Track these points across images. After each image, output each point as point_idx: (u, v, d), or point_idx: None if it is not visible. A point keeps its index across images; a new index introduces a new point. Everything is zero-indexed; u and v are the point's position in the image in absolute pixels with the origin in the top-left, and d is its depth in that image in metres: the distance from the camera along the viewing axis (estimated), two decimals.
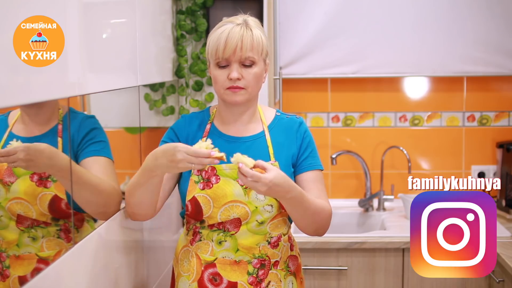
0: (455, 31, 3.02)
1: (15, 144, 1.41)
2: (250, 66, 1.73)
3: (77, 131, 1.61)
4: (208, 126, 1.84)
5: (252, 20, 1.77)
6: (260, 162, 1.60)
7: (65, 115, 1.55)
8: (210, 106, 1.91)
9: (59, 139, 1.54)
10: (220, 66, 1.73)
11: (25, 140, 1.50)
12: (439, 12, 3.02)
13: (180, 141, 1.82)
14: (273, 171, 1.58)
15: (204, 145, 1.59)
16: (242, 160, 1.58)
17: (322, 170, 1.84)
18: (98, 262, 1.67)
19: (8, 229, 1.46)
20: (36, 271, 1.42)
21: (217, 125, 1.84)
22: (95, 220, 1.69)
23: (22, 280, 1.38)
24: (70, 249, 1.50)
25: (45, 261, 1.47)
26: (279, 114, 1.87)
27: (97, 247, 1.66)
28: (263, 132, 1.83)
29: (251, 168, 1.58)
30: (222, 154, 1.57)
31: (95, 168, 1.66)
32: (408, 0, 3.03)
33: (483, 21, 3.00)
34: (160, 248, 2.24)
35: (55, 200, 1.52)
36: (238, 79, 1.71)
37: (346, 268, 2.60)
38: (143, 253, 2.04)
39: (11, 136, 1.48)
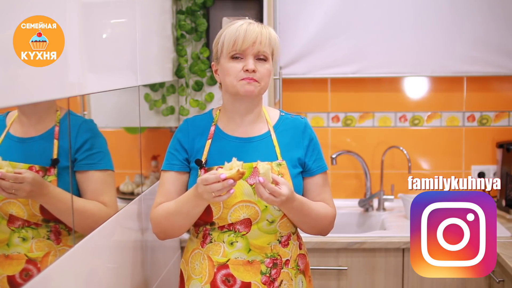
0: (455, 31, 3.02)
1: (23, 171, 1.43)
2: (263, 60, 1.75)
3: (75, 136, 1.61)
4: (212, 128, 1.84)
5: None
6: (275, 177, 1.65)
7: (62, 117, 1.55)
8: (212, 109, 1.91)
9: (55, 141, 1.54)
10: (234, 58, 1.74)
11: (21, 140, 1.50)
12: (439, 12, 3.02)
13: (185, 149, 1.83)
14: (285, 185, 1.65)
15: (228, 166, 1.61)
16: (268, 173, 1.61)
17: (327, 170, 1.88)
18: (97, 262, 1.67)
19: None
20: (24, 272, 1.42)
21: (222, 126, 1.84)
22: None
23: (11, 279, 1.38)
24: (70, 249, 1.50)
25: (33, 262, 1.48)
26: (283, 114, 1.89)
27: (97, 247, 1.66)
28: (268, 132, 1.83)
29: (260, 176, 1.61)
30: (235, 172, 1.58)
31: (90, 183, 1.67)
32: (408, 0, 3.03)
33: (483, 21, 3.00)
34: (160, 248, 2.23)
35: None
36: (254, 71, 1.73)
37: (346, 268, 2.60)
38: (143, 253, 2.04)
39: (9, 136, 1.48)
